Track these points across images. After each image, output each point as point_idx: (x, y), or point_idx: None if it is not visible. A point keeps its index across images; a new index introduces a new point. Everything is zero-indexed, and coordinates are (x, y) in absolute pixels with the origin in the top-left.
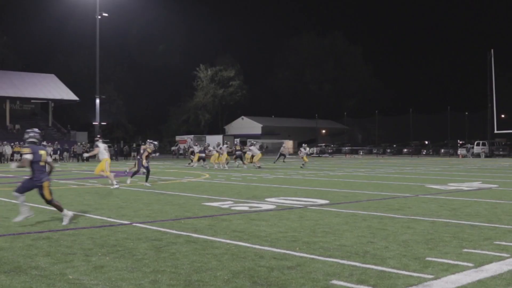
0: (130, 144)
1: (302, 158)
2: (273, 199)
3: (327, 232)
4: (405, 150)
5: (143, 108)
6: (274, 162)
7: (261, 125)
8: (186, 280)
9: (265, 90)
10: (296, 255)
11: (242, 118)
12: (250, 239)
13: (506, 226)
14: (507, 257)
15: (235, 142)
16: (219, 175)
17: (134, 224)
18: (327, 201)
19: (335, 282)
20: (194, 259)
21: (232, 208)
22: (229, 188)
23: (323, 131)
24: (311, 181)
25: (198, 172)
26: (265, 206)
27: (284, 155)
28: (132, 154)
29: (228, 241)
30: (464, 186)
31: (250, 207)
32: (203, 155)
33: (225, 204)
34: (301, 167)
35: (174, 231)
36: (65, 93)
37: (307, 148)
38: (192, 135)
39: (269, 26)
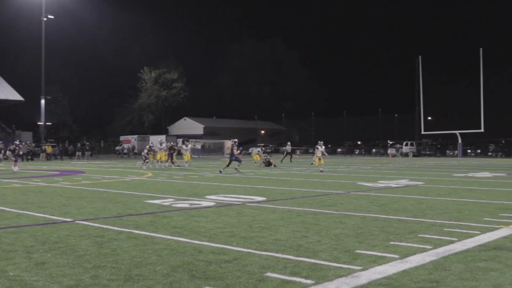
0: (75, 144)
1: (320, 159)
2: (213, 197)
3: (263, 227)
4: (339, 149)
5: (88, 108)
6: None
7: (203, 126)
8: (126, 275)
9: (207, 92)
10: (233, 249)
11: (185, 119)
12: (190, 234)
13: (430, 220)
14: (430, 249)
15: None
16: (162, 173)
17: (76, 222)
18: (264, 198)
19: (269, 274)
20: (134, 254)
21: (173, 205)
22: (171, 186)
23: (262, 131)
24: (250, 179)
25: (142, 171)
26: (205, 203)
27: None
28: (77, 153)
29: (168, 237)
30: (393, 183)
31: (191, 204)
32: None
33: (167, 202)
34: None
35: (116, 228)
36: (10, 94)
37: (323, 146)
38: (136, 135)
39: (212, 31)
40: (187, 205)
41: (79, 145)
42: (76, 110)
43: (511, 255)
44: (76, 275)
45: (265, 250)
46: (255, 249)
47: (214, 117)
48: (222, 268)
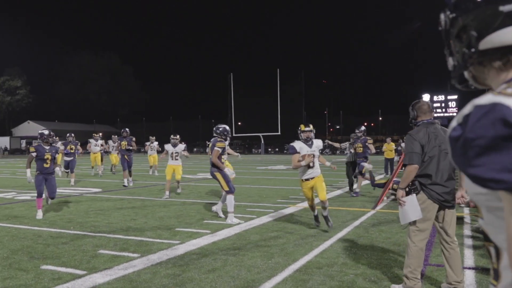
0: None
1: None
2: None
3: (98, 213)
4: None
5: None
6: None
7: (45, 128)
8: None
9: (51, 98)
10: (70, 233)
11: (28, 122)
12: (30, 222)
13: (236, 203)
14: (235, 225)
15: None
16: (5, 170)
17: None
18: (100, 189)
19: (102, 251)
20: None
21: (16, 198)
22: (14, 181)
23: (100, 133)
24: (87, 174)
25: None
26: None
27: None
28: None
29: (9, 225)
30: (207, 175)
31: (32, 196)
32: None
33: (9, 195)
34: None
35: None
36: None
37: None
38: None
39: (54, 44)
40: (28, 197)
41: None
42: None
43: (295, 227)
44: None
45: (99, 232)
46: (90, 232)
47: (56, 121)
48: (59, 249)
